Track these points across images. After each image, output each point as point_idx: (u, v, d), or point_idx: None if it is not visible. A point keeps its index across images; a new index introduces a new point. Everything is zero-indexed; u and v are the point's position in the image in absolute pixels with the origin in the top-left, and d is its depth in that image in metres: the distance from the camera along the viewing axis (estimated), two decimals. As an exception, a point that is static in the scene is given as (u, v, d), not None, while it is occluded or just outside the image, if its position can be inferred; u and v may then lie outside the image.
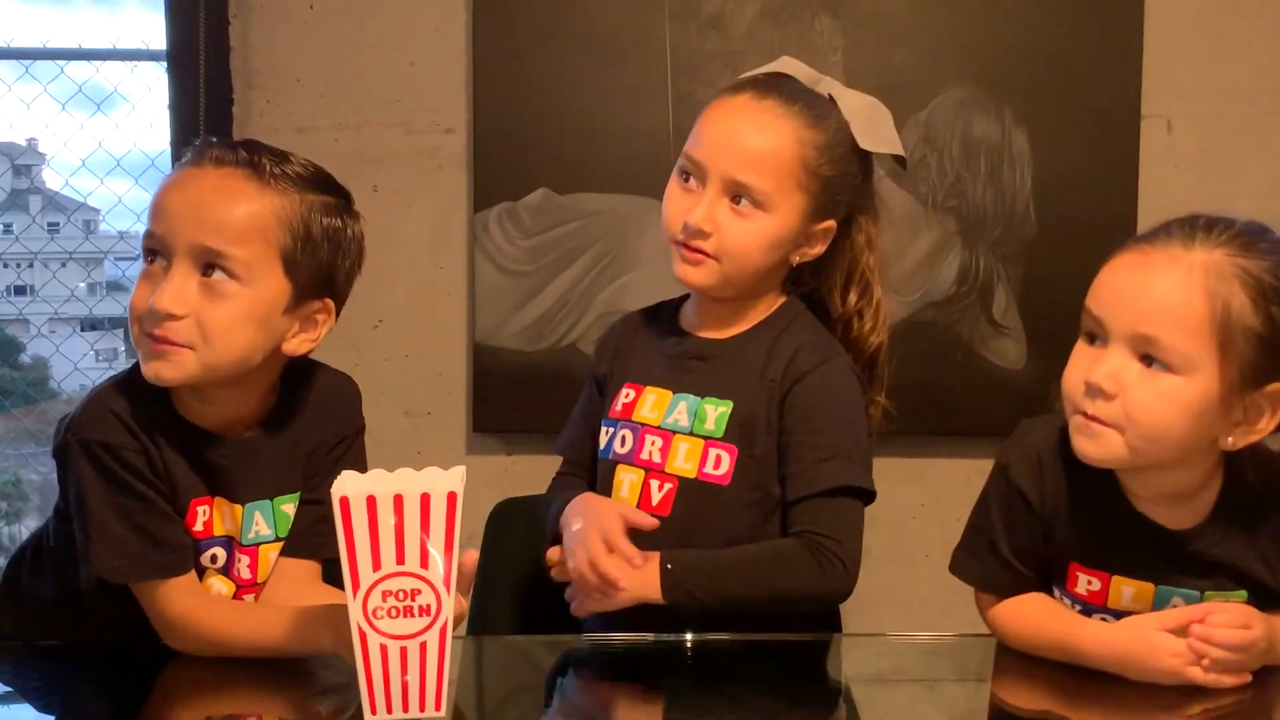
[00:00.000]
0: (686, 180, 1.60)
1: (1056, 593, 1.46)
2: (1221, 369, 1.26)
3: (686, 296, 1.72)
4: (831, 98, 1.61)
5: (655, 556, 1.52)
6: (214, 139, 1.46)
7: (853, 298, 1.69)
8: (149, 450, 1.40)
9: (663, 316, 1.72)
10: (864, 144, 1.61)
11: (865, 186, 1.67)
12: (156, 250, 1.39)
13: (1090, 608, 1.42)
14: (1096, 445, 1.31)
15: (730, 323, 1.65)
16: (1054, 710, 1.42)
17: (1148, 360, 1.28)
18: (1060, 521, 1.40)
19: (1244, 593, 1.37)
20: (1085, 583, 1.41)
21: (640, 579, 1.51)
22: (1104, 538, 1.39)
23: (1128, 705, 1.32)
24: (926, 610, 2.55)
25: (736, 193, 1.56)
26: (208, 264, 1.37)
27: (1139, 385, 1.28)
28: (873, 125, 1.62)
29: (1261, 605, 1.34)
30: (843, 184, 1.61)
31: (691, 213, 1.56)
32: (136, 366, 1.44)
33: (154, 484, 1.41)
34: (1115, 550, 1.38)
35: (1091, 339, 1.34)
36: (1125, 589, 1.39)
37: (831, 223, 1.62)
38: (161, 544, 1.41)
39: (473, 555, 1.33)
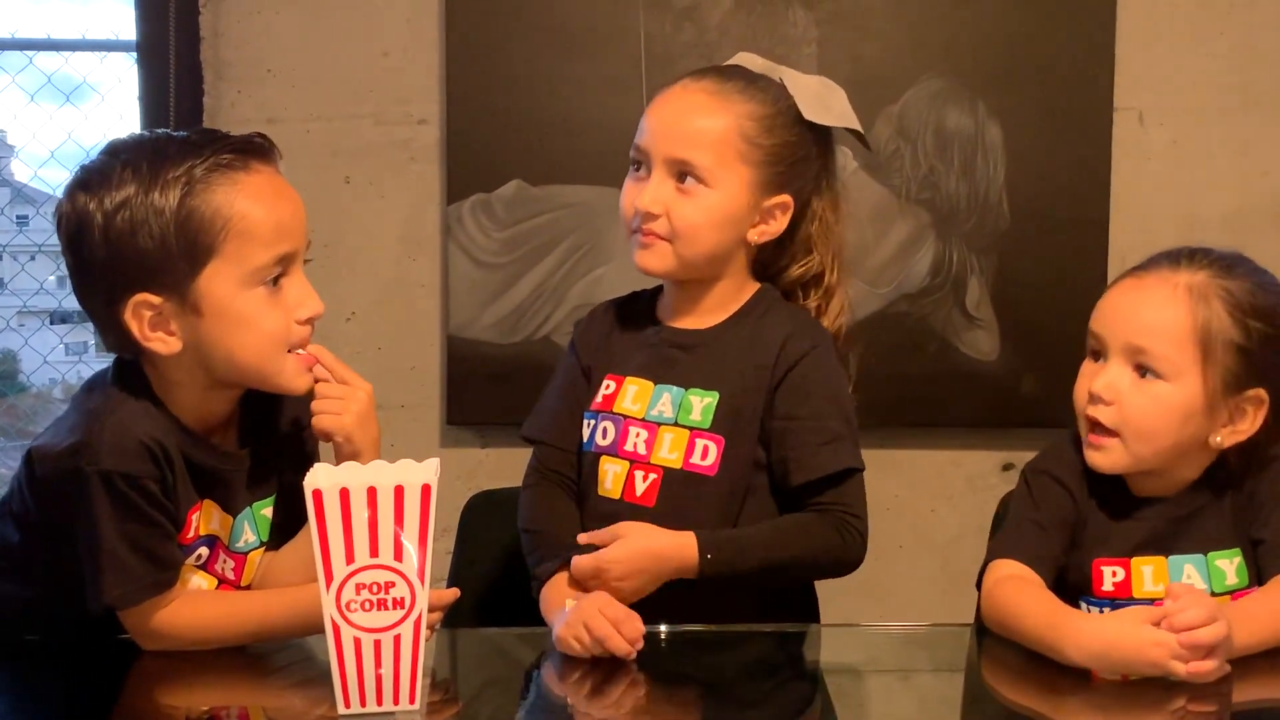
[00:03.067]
0: (637, 171, 1.62)
1: (1083, 605, 1.52)
2: (1204, 375, 1.44)
3: (662, 286, 1.72)
4: (782, 81, 1.64)
5: (690, 537, 1.53)
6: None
7: (794, 274, 1.70)
8: (165, 476, 1.39)
9: (640, 305, 1.73)
10: (809, 115, 1.62)
11: (822, 167, 1.67)
12: (287, 265, 1.41)
13: (1119, 604, 1.48)
14: (1104, 456, 1.49)
15: (706, 312, 1.65)
16: (1027, 699, 1.43)
17: (1141, 370, 1.46)
18: (1088, 515, 1.53)
19: (1238, 550, 1.50)
20: (1110, 575, 1.51)
21: (674, 564, 1.53)
22: (1118, 526, 1.52)
23: (1099, 695, 1.33)
24: (901, 601, 2.57)
25: (680, 171, 1.58)
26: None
27: (1133, 392, 1.47)
28: (820, 100, 1.64)
29: (1257, 563, 1.49)
30: (789, 154, 1.61)
31: (640, 197, 1.58)
32: (131, 381, 1.42)
33: (165, 508, 1.40)
34: (1128, 535, 1.51)
35: (1095, 356, 1.51)
36: (1145, 569, 1.50)
37: (786, 197, 1.63)
38: (161, 565, 1.40)
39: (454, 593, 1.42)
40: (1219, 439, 1.48)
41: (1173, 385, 1.45)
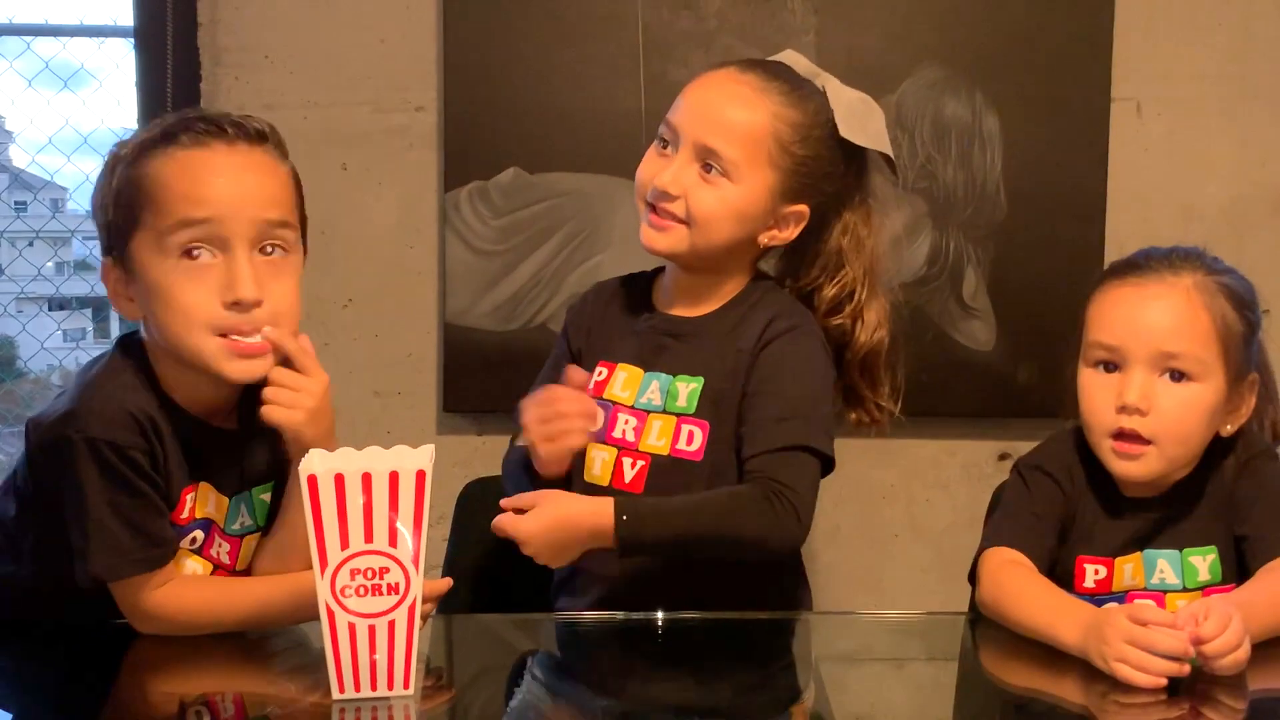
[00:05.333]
0: (664, 147, 1.61)
1: None
2: (1226, 370, 1.49)
3: (660, 271, 1.72)
4: (824, 89, 1.62)
5: (608, 501, 1.51)
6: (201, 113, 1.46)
7: (829, 292, 1.67)
8: (154, 449, 1.39)
9: (636, 290, 1.72)
10: (844, 132, 1.61)
11: (853, 181, 1.66)
12: (206, 241, 1.38)
13: (1099, 599, 1.51)
14: (1139, 465, 1.50)
15: (701, 300, 1.65)
16: (1021, 687, 1.43)
17: (1173, 375, 1.48)
18: (1077, 512, 1.55)
19: (1214, 548, 1.53)
20: (1092, 573, 1.54)
21: (594, 523, 1.49)
22: (1104, 525, 1.55)
23: (1093, 683, 1.33)
24: (895, 589, 2.57)
25: (707, 159, 1.57)
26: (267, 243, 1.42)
27: (1167, 397, 1.48)
28: (859, 118, 1.62)
29: (1231, 560, 1.52)
30: (817, 167, 1.61)
31: (660, 175, 1.57)
32: (130, 356, 1.44)
33: (154, 481, 1.40)
34: (1113, 535, 1.54)
35: (1107, 366, 1.52)
36: (1126, 566, 1.53)
37: (803, 207, 1.62)
38: (151, 540, 1.40)
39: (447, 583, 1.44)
40: (1229, 427, 1.53)
41: (1203, 385, 1.48)
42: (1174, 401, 1.48)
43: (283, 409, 1.43)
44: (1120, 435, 1.50)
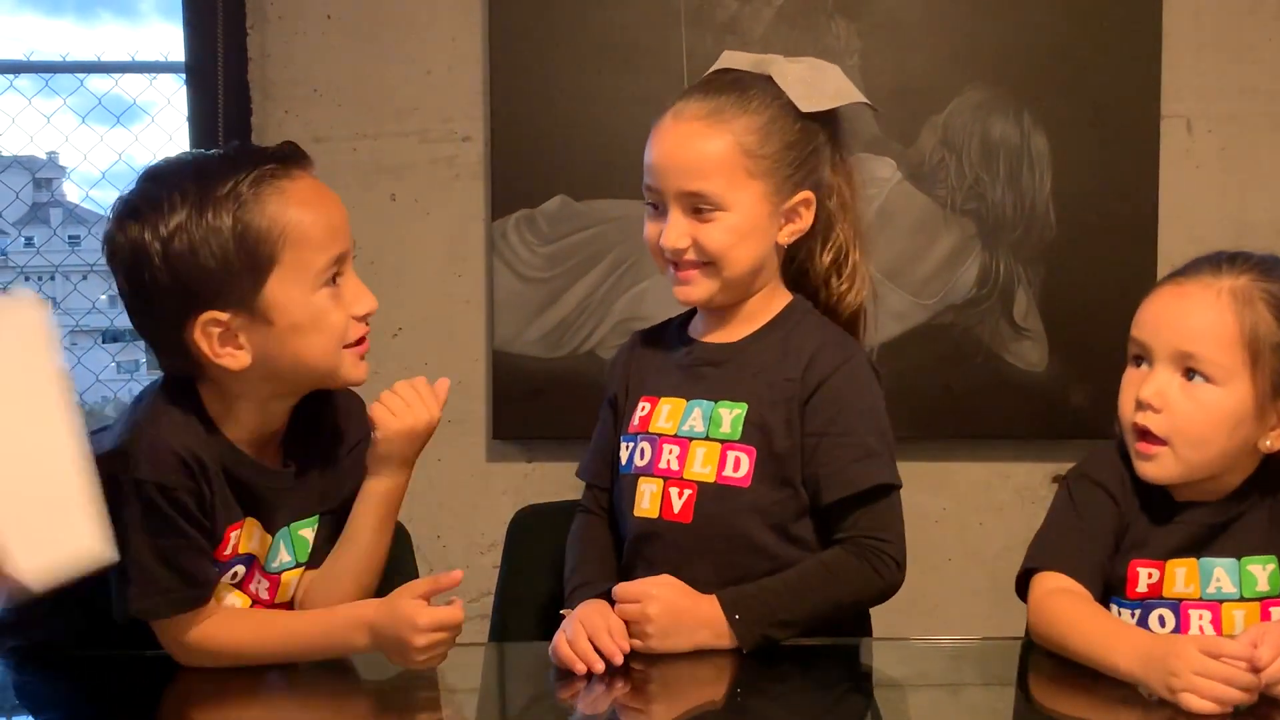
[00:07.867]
0: (654, 208, 1.61)
1: (1113, 607, 1.51)
2: (1254, 379, 1.43)
3: (693, 309, 1.72)
4: (770, 77, 1.61)
5: (713, 600, 1.50)
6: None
7: (827, 259, 1.67)
8: (201, 490, 1.40)
9: (671, 329, 1.72)
10: (804, 107, 1.59)
11: (832, 147, 1.65)
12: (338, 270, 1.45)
13: (1149, 604, 1.49)
14: (1155, 466, 1.47)
15: (737, 324, 1.64)
16: (1078, 713, 1.41)
17: (1189, 374, 1.45)
18: (1129, 518, 1.52)
19: (1275, 558, 1.49)
20: (1145, 577, 1.50)
21: (710, 630, 1.49)
22: (1157, 530, 1.51)
23: (1149, 711, 1.31)
24: (949, 614, 2.55)
25: (693, 204, 1.56)
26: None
27: (1182, 397, 1.45)
28: (813, 86, 1.61)
29: None
30: (796, 153, 1.59)
31: (664, 236, 1.57)
32: (179, 393, 1.44)
33: (199, 522, 1.41)
34: (1166, 539, 1.50)
35: (1138, 362, 1.50)
36: (1178, 570, 1.50)
37: (807, 194, 1.61)
38: (192, 580, 1.41)
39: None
40: (1268, 443, 1.47)
41: (1222, 390, 1.44)
42: (1189, 402, 1.44)
43: (386, 411, 1.52)
44: (1139, 434, 1.48)
